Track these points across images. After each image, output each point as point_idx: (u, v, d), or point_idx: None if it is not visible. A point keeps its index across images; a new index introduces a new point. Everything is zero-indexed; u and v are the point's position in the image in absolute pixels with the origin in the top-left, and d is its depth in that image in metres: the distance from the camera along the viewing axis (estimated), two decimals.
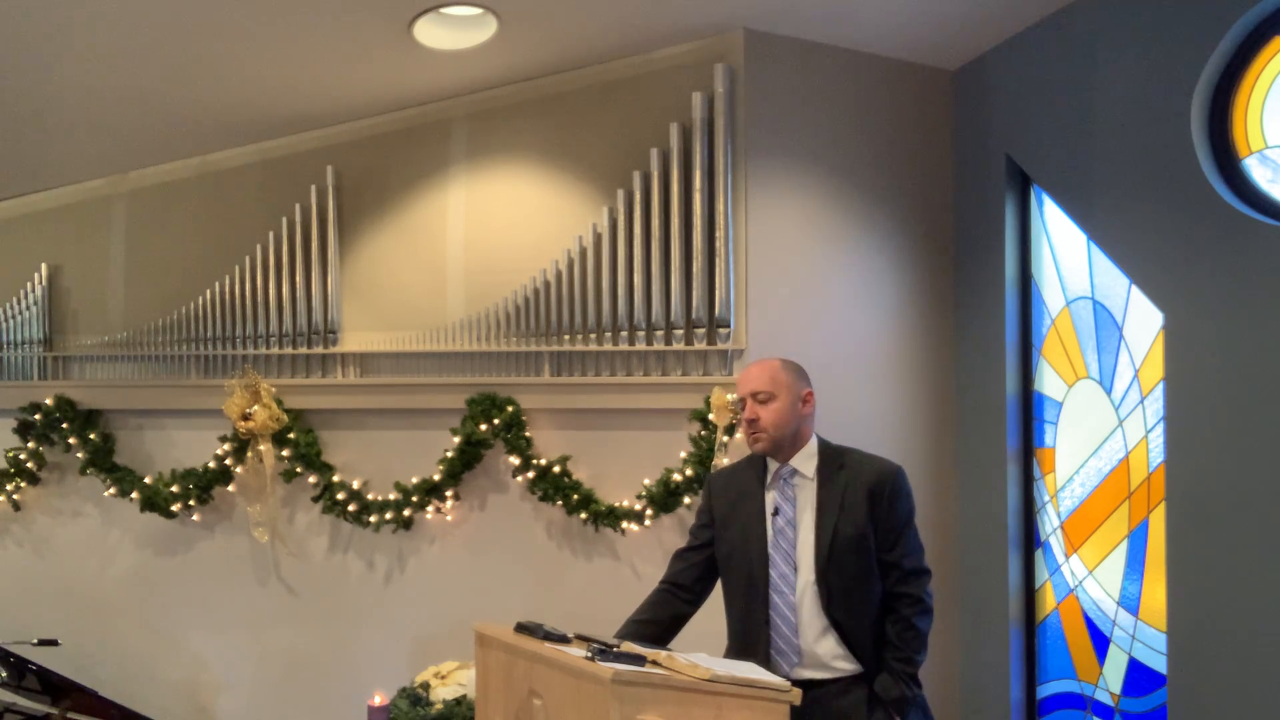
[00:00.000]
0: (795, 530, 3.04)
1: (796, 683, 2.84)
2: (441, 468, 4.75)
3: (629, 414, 4.65)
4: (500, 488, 4.83)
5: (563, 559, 4.77)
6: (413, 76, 4.67)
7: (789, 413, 3.07)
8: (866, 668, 3.00)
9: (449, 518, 4.86)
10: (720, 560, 3.18)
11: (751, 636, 3.06)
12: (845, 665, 3.00)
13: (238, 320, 4.98)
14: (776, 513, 3.07)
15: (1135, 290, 4.00)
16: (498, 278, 4.77)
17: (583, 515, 4.63)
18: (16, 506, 5.23)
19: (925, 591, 3.04)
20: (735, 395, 3.25)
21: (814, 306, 4.62)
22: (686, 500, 4.50)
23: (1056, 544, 4.41)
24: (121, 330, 5.13)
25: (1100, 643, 4.20)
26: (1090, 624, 4.25)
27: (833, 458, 3.10)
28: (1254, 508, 3.41)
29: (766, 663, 2.95)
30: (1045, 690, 4.49)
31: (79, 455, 5.11)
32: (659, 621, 3.17)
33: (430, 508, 4.80)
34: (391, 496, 4.82)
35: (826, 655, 2.99)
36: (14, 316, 5.21)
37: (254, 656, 5.04)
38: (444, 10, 4.24)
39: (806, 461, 3.10)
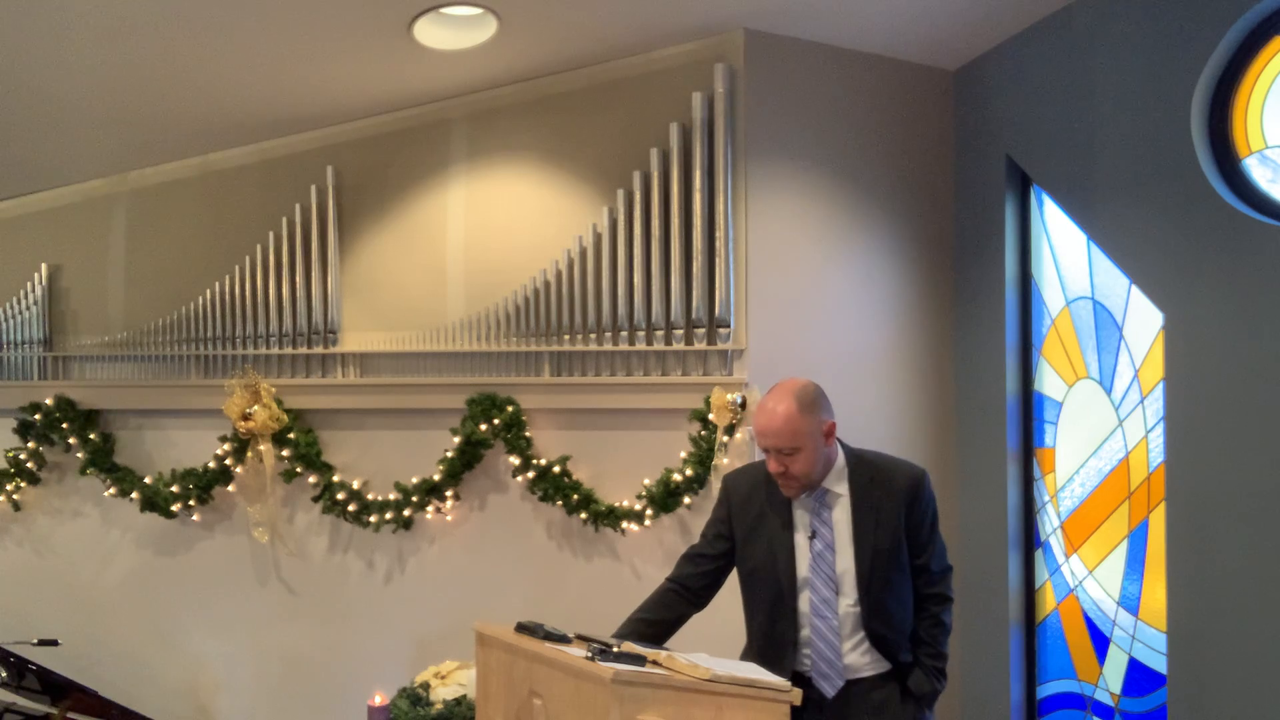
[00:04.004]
0: (834, 553, 3.01)
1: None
2: (441, 468, 4.75)
3: (629, 414, 4.64)
4: (500, 488, 4.83)
5: (563, 559, 4.77)
6: (413, 76, 4.67)
7: (816, 456, 2.97)
8: (898, 665, 3.05)
9: (449, 518, 4.86)
10: (742, 575, 3.15)
11: (777, 655, 3.02)
12: (876, 668, 3.03)
13: (238, 320, 4.98)
14: (814, 536, 3.02)
15: (1135, 290, 4.00)
16: (498, 278, 4.78)
17: (583, 515, 4.63)
18: (16, 506, 5.23)
19: (949, 587, 3.12)
20: (756, 441, 3.10)
21: (814, 306, 4.62)
22: (686, 500, 4.50)
23: (1056, 544, 4.42)
24: (121, 330, 5.13)
25: (1100, 643, 4.20)
26: (1090, 624, 4.25)
27: (862, 469, 3.05)
28: (1254, 507, 3.41)
29: (796, 681, 2.92)
30: (1045, 690, 4.49)
31: (79, 455, 5.10)
32: (664, 621, 3.16)
33: (430, 508, 4.80)
34: (391, 496, 4.82)
35: (860, 663, 3.02)
36: (14, 316, 5.21)
37: (254, 656, 5.04)
38: (444, 10, 4.24)
39: (838, 479, 3.04)
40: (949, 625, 3.10)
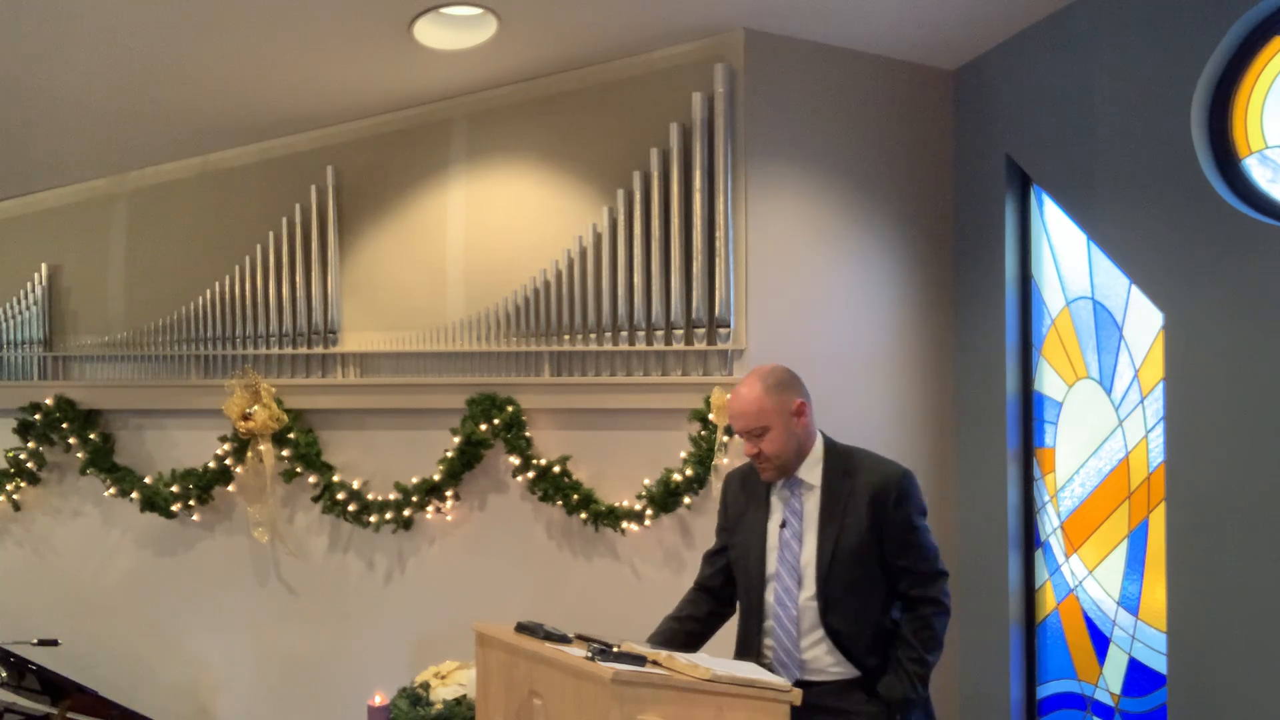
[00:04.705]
0: (800, 543, 3.01)
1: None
2: (441, 468, 4.75)
3: (629, 414, 4.65)
4: (500, 488, 4.83)
5: (563, 559, 4.77)
6: (413, 76, 4.67)
7: (786, 436, 3.00)
8: (864, 673, 2.98)
9: (449, 518, 4.86)
10: (732, 565, 3.18)
11: (747, 644, 3.08)
12: (840, 670, 2.98)
13: (238, 320, 4.98)
14: (784, 525, 3.04)
15: (1135, 290, 4.00)
16: (498, 278, 4.78)
17: (583, 515, 4.63)
18: (16, 506, 5.23)
19: (942, 592, 3.01)
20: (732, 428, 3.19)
21: (814, 306, 4.62)
22: (686, 500, 4.51)
23: (1056, 544, 4.42)
24: (121, 330, 5.13)
25: (1100, 643, 4.20)
26: (1090, 624, 4.25)
27: (839, 462, 3.05)
28: (1254, 507, 3.41)
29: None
30: (1045, 690, 4.49)
31: (79, 455, 5.10)
32: (697, 618, 3.20)
33: (430, 508, 4.80)
34: (391, 496, 4.82)
35: (823, 662, 2.98)
36: (14, 316, 5.21)
37: (254, 656, 5.04)
38: (444, 10, 4.24)
39: (812, 469, 3.05)
40: (938, 632, 2.98)
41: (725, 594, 3.21)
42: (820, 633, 2.97)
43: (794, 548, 3.01)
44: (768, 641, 3.02)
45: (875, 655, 2.98)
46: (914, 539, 3.00)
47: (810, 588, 2.98)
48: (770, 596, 3.02)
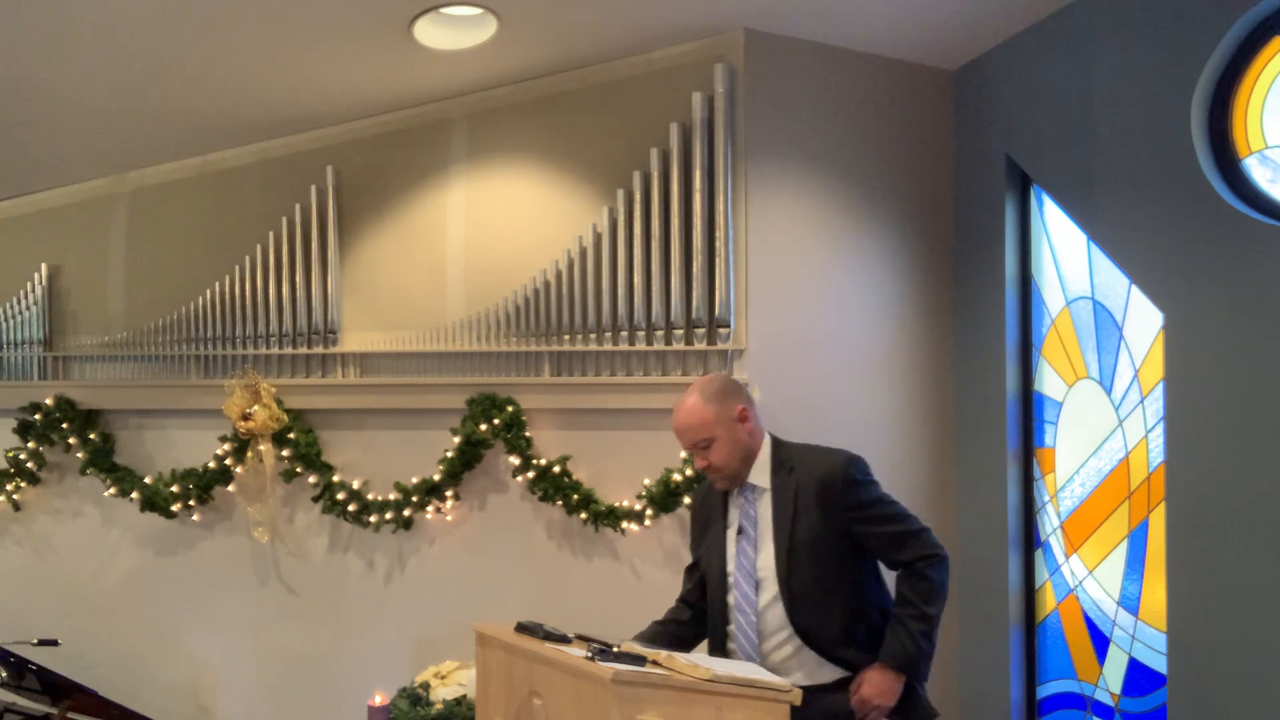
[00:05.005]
0: (757, 549, 3.02)
1: None
2: (441, 468, 4.75)
3: (629, 414, 4.64)
4: (500, 488, 4.83)
5: (563, 559, 4.77)
6: (413, 76, 4.67)
7: (733, 443, 3.01)
8: (841, 667, 2.98)
9: (449, 518, 4.86)
10: (704, 576, 3.21)
11: (715, 650, 3.10)
12: (814, 673, 2.97)
13: (238, 320, 4.98)
14: (741, 532, 3.05)
15: (1135, 290, 4.00)
16: (498, 278, 4.77)
17: (583, 515, 4.63)
18: (16, 506, 5.22)
19: (929, 544, 2.95)
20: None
21: (814, 306, 4.63)
22: (686, 500, 4.50)
23: (1056, 544, 4.42)
24: (121, 330, 5.13)
25: (1100, 643, 4.20)
26: (1090, 624, 4.25)
27: (783, 461, 3.05)
28: (1254, 507, 3.41)
29: None
30: (1045, 690, 4.49)
31: (79, 455, 5.10)
32: (681, 621, 3.22)
33: (430, 508, 4.80)
34: (391, 496, 4.82)
35: (786, 666, 2.97)
36: (14, 316, 5.20)
37: (254, 656, 5.04)
38: (444, 10, 4.24)
39: (760, 473, 3.06)
40: (936, 581, 2.92)
41: (703, 606, 3.21)
42: (787, 632, 2.97)
43: (750, 554, 3.02)
44: (731, 646, 3.04)
45: (851, 646, 2.97)
46: (878, 512, 2.98)
47: (771, 589, 2.98)
48: (731, 601, 3.04)
